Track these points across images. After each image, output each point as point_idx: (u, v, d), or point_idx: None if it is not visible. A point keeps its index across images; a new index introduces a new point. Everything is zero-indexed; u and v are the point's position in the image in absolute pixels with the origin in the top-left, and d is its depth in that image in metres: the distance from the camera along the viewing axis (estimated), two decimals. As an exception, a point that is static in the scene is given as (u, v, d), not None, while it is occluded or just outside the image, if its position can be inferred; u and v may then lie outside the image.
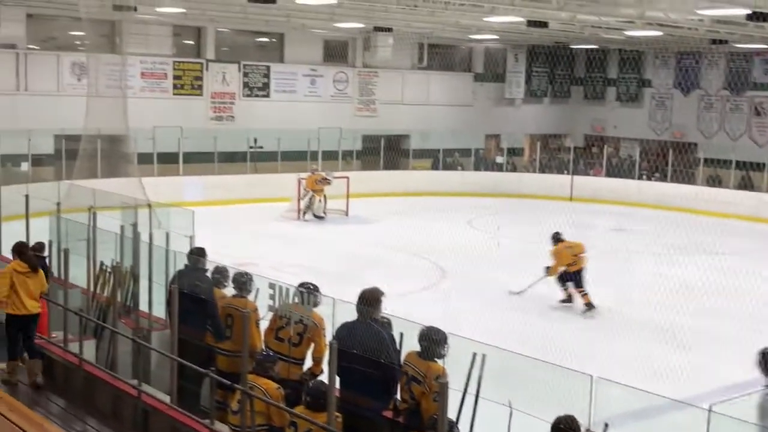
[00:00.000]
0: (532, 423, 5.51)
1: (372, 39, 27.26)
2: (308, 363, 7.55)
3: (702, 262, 15.87)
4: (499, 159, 30.12)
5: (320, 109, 27.51)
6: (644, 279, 15.39)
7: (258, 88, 26.75)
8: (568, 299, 14.63)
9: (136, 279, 9.22)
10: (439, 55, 29.96)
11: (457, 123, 30.12)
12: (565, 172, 29.03)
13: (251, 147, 25.67)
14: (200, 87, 25.69)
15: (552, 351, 9.27)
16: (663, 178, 27.80)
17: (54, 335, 9.59)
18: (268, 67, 26.91)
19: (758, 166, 26.70)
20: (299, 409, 6.51)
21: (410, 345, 6.59)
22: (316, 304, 7.35)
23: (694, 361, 10.84)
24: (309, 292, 7.36)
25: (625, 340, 12.05)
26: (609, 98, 32.31)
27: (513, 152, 30.50)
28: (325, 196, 22.79)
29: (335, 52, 28.05)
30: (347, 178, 23.25)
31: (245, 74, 26.48)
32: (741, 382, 8.36)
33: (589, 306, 14.29)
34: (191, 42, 26.09)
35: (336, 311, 6.83)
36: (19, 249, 9.37)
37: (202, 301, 8.11)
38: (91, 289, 9.73)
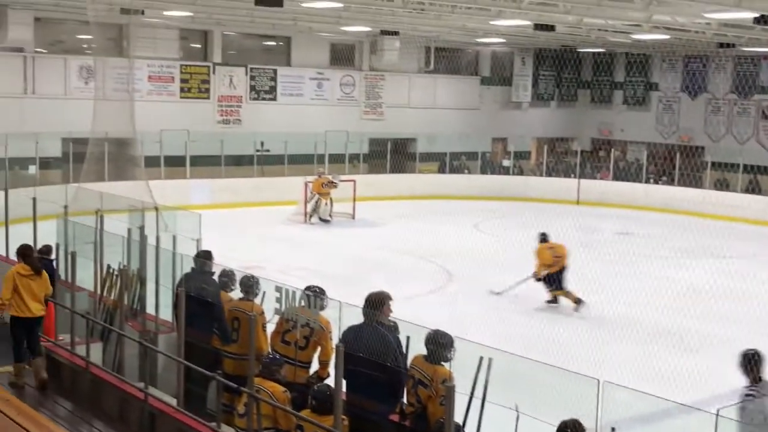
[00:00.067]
0: (539, 427, 5.51)
1: (379, 42, 27.29)
2: (315, 366, 7.54)
3: (709, 266, 15.83)
4: (506, 162, 30.10)
5: (327, 112, 27.57)
6: (651, 282, 15.35)
7: (265, 91, 26.79)
8: (554, 300, 14.66)
9: (143, 282, 9.22)
10: (446, 59, 29.97)
11: (463, 126, 30.12)
12: (572, 175, 28.99)
13: (258, 150, 25.70)
14: (207, 90, 25.75)
15: (558, 354, 9.25)
16: (670, 182, 27.81)
17: (61, 338, 9.60)
18: (274, 71, 26.96)
19: (766, 170, 26.58)
20: (305, 413, 6.51)
21: (417, 348, 6.58)
22: (322, 308, 7.37)
23: (701, 364, 10.77)
24: (315, 295, 7.36)
25: (632, 343, 12.01)
26: (616, 102, 32.27)
27: (520, 156, 30.46)
28: (331, 200, 22.76)
29: (342, 56, 28.10)
30: (354, 181, 23.24)
31: (252, 77, 26.53)
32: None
33: (578, 302, 14.24)
34: (198, 45, 26.16)
35: (342, 314, 6.84)
36: (23, 252, 9.40)
37: (209, 304, 8.12)
38: (98, 292, 9.73)
